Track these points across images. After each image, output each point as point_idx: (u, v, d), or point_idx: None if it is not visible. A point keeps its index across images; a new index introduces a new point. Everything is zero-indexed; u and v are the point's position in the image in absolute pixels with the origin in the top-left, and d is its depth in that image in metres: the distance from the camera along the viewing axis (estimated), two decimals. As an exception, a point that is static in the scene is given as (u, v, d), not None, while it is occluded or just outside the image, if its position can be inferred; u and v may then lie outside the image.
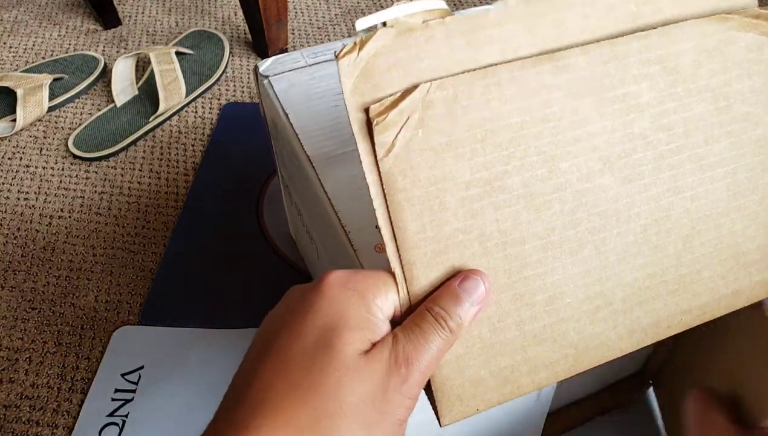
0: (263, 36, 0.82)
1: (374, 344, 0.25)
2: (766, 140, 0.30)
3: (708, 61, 0.29)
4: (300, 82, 0.46)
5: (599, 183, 0.28)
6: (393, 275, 0.26)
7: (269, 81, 0.45)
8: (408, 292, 0.26)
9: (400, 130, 0.26)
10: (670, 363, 0.44)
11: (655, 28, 0.29)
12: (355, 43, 0.25)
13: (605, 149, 0.28)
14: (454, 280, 0.26)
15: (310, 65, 0.47)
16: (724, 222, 0.30)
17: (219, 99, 0.80)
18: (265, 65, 0.47)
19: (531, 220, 0.27)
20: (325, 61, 0.48)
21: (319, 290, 0.25)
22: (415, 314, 0.26)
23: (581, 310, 0.28)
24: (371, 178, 0.25)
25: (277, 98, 0.44)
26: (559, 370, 0.28)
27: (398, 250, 0.26)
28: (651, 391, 0.49)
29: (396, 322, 0.26)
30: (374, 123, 0.25)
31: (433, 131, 0.26)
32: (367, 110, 0.25)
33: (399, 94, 0.25)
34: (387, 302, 0.26)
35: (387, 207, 0.25)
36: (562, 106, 0.27)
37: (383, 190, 0.25)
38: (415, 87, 0.26)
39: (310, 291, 0.25)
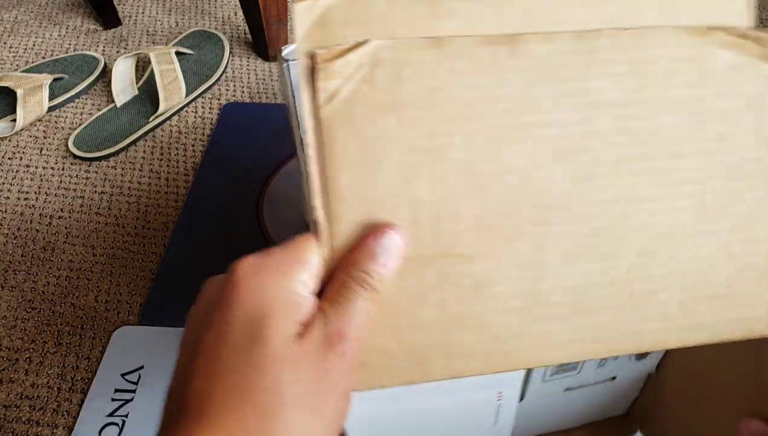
0: (263, 36, 0.82)
1: (304, 325, 0.24)
2: (742, 168, 0.28)
3: (684, 72, 0.27)
4: None
5: (548, 174, 0.26)
6: (315, 234, 0.25)
7: (288, 65, 0.45)
8: (331, 249, 0.25)
9: (346, 81, 0.25)
10: (658, 406, 0.43)
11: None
12: None
13: (558, 141, 0.26)
14: (369, 238, 0.25)
15: None
16: (687, 245, 0.27)
17: (219, 99, 0.80)
18: (289, 50, 0.47)
19: (468, 198, 0.26)
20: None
21: (234, 281, 0.24)
22: (337, 284, 0.25)
23: (511, 304, 0.26)
24: (309, 124, 0.25)
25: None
26: (479, 363, 0.26)
27: (327, 203, 0.25)
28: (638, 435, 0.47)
29: (320, 290, 0.25)
30: (318, 68, 0.25)
31: (379, 90, 0.25)
32: (313, 56, 0.25)
33: (348, 46, 0.25)
34: (308, 273, 0.25)
35: (321, 156, 0.25)
36: (516, 89, 0.26)
37: (320, 138, 0.25)
38: (366, 42, 0.25)
39: (226, 284, 0.24)
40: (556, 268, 0.26)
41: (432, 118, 0.26)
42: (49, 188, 0.70)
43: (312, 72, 0.25)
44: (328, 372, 0.24)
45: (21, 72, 0.81)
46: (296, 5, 0.25)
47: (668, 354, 0.39)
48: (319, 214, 0.25)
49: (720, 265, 0.28)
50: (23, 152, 0.74)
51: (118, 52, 0.87)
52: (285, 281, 0.24)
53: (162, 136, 0.75)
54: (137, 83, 0.80)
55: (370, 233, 0.25)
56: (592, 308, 0.27)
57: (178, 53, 0.81)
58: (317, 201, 0.25)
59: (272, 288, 0.24)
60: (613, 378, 0.40)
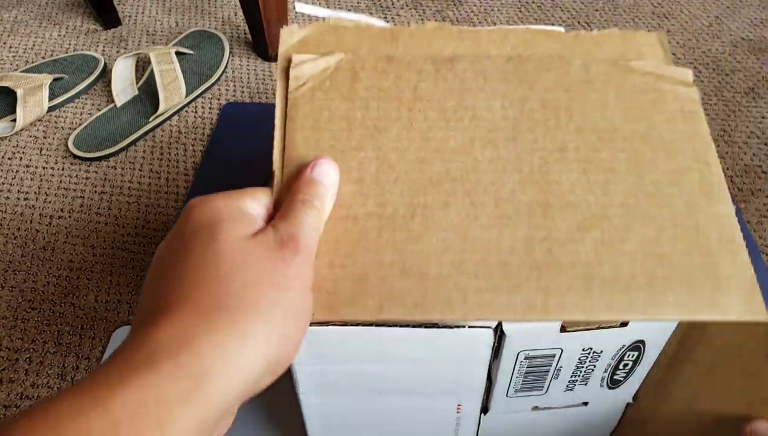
0: (263, 36, 0.82)
1: (255, 234, 0.26)
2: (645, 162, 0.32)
3: (602, 83, 0.35)
4: None
5: (476, 156, 0.32)
6: (270, 185, 0.30)
7: None
8: (280, 191, 0.30)
9: (312, 77, 0.33)
10: (643, 428, 0.41)
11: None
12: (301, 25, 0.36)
13: (488, 131, 0.32)
14: (305, 169, 0.30)
15: None
16: (606, 226, 0.30)
17: (219, 99, 0.80)
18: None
19: (407, 168, 0.31)
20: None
21: (187, 207, 0.27)
22: (284, 207, 0.28)
23: (444, 259, 0.29)
24: (279, 105, 0.33)
25: None
26: (416, 309, 0.28)
27: (283, 157, 0.31)
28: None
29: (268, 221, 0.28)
30: (292, 66, 0.33)
31: (339, 84, 0.33)
32: (290, 59, 0.34)
33: (317, 55, 0.34)
34: (258, 203, 0.28)
35: (284, 123, 0.32)
36: (454, 91, 0.34)
37: (285, 113, 0.32)
38: (332, 53, 0.34)
39: (181, 214, 0.27)
40: (484, 229, 0.30)
41: (379, 107, 0.33)
42: (49, 188, 0.70)
43: (287, 69, 0.33)
44: (286, 261, 0.25)
45: (21, 72, 0.81)
46: (282, 31, 0.35)
47: (646, 384, 0.37)
48: (276, 166, 0.31)
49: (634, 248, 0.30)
50: (23, 152, 0.74)
51: (118, 52, 0.87)
52: (234, 201, 0.27)
53: (162, 136, 0.75)
54: (137, 83, 0.80)
55: (309, 165, 0.30)
56: (518, 271, 0.29)
57: (178, 53, 0.81)
58: (276, 156, 0.31)
59: (224, 206, 0.27)
60: (585, 404, 0.39)
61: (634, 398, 0.39)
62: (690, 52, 0.86)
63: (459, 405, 0.36)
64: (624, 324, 0.31)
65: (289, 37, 0.35)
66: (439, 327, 0.30)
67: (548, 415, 0.39)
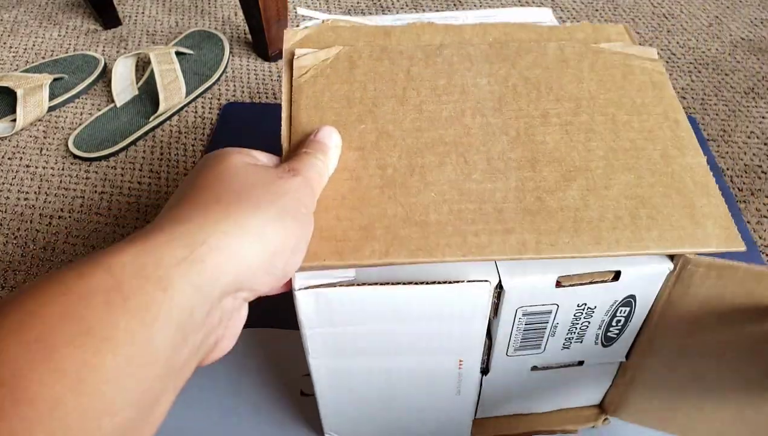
0: (263, 36, 0.82)
1: (261, 166, 0.29)
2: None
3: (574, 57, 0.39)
4: None
5: (467, 123, 0.35)
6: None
7: None
8: (288, 156, 0.32)
9: (314, 66, 0.38)
10: (632, 394, 0.43)
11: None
12: (304, 27, 0.41)
13: (477, 102, 0.36)
14: (309, 134, 0.33)
15: None
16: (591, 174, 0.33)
17: (219, 99, 0.80)
18: None
19: (403, 135, 0.34)
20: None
21: (201, 158, 0.30)
22: (288, 157, 0.31)
23: (443, 208, 0.32)
24: (285, 89, 0.37)
25: None
26: (418, 251, 0.30)
27: (290, 133, 0.34)
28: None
29: None
30: (295, 56, 0.38)
31: (338, 71, 0.38)
32: (293, 53, 0.38)
33: (320, 48, 0.38)
34: (268, 158, 0.31)
35: (290, 106, 0.36)
36: (444, 73, 0.38)
37: (291, 97, 0.36)
38: (332, 46, 0.39)
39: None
40: (478, 183, 0.33)
41: (376, 88, 0.37)
42: (49, 188, 0.70)
43: (291, 62, 0.38)
44: (285, 179, 0.28)
45: (21, 72, 0.81)
46: (285, 32, 0.40)
47: (638, 341, 0.39)
48: (284, 143, 0.34)
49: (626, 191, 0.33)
50: (23, 152, 0.74)
51: (118, 52, 0.87)
52: (246, 153, 0.30)
53: (162, 136, 0.76)
54: (137, 83, 0.80)
55: (314, 131, 0.33)
56: (512, 216, 0.32)
57: (178, 53, 0.81)
58: (284, 133, 0.34)
59: (236, 150, 0.29)
60: (581, 363, 0.40)
61: (627, 356, 0.40)
62: (690, 52, 0.86)
63: (460, 360, 0.37)
64: (616, 278, 0.33)
65: (292, 36, 0.40)
66: (441, 283, 0.31)
67: (546, 375, 0.41)
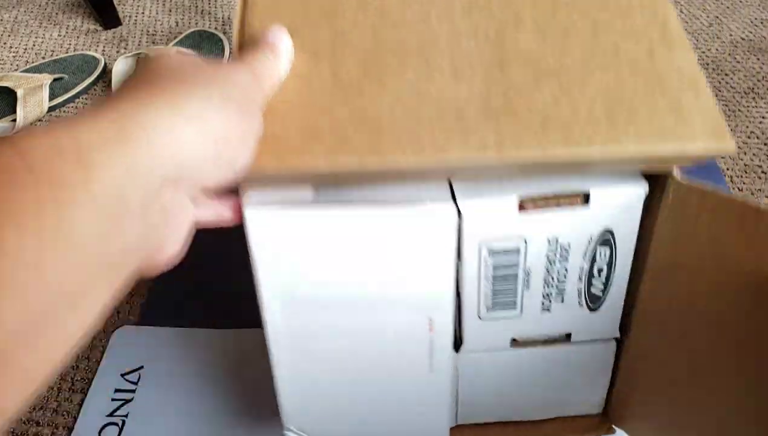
0: (263, 36, 0.82)
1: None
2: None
3: None
4: None
5: (433, 27, 0.32)
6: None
7: None
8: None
9: None
10: (634, 406, 0.40)
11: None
12: None
13: (441, 8, 0.32)
14: (260, 35, 0.30)
15: None
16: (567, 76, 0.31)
17: (219, 99, 0.80)
18: None
19: (366, 32, 0.31)
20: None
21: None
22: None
23: (398, 110, 0.29)
24: (240, 3, 0.33)
25: None
26: (368, 153, 0.28)
27: (240, 39, 0.31)
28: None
29: None
30: None
31: None
32: None
33: None
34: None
35: (243, 13, 0.32)
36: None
37: (245, 5, 0.32)
38: None
39: None
40: (440, 86, 0.30)
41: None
42: (49, 188, 0.70)
43: None
44: (231, 67, 0.26)
45: (21, 72, 0.81)
46: None
47: (632, 312, 0.36)
48: (235, 50, 0.31)
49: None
50: (23, 152, 0.74)
51: (118, 52, 0.87)
52: (190, 54, 0.27)
53: (162, 136, 0.76)
54: (137, 83, 0.80)
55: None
56: (474, 117, 0.29)
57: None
58: (235, 39, 0.32)
59: (177, 52, 0.27)
60: (569, 337, 0.37)
61: (621, 335, 0.37)
62: (690, 52, 0.86)
63: (430, 321, 0.35)
64: (586, 200, 0.31)
65: None
66: (405, 205, 0.29)
67: (530, 354, 0.38)
